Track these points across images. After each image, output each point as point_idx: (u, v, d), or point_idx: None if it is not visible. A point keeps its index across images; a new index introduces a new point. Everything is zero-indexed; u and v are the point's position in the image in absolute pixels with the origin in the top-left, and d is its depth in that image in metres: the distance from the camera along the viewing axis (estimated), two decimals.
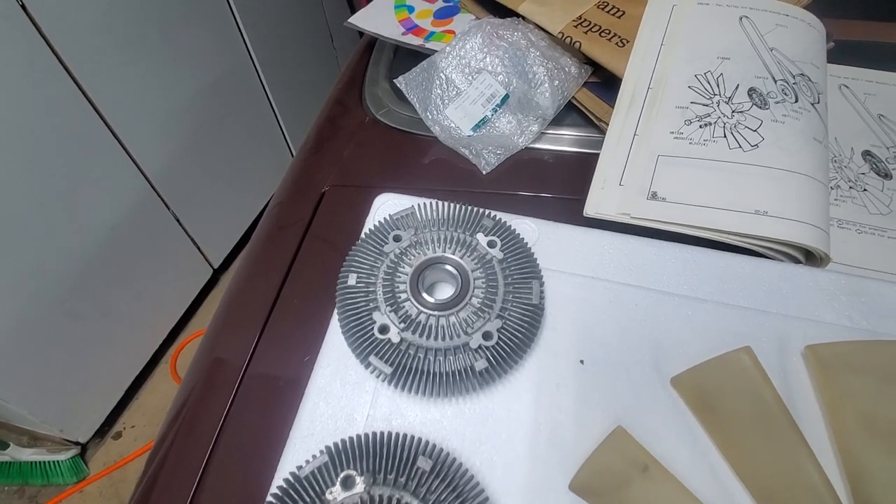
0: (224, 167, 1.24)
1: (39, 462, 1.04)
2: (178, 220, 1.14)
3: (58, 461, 1.04)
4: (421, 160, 0.54)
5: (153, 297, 1.14)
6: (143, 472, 0.41)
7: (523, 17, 0.54)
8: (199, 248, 1.22)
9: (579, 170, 0.46)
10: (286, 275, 0.48)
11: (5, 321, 0.86)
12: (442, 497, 0.25)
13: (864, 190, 0.44)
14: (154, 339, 1.18)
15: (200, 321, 1.27)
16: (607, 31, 0.50)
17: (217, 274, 1.31)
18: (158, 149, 1.06)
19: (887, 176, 0.44)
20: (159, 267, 1.13)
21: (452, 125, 0.54)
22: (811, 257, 0.38)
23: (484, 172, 0.51)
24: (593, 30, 0.50)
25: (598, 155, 0.45)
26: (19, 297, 0.87)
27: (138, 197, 1.04)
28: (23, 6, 0.78)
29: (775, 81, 0.43)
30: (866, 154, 0.45)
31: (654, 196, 0.41)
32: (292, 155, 1.45)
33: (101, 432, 1.10)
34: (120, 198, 1.00)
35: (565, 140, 0.53)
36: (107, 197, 0.98)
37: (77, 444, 1.07)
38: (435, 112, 0.54)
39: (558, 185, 0.50)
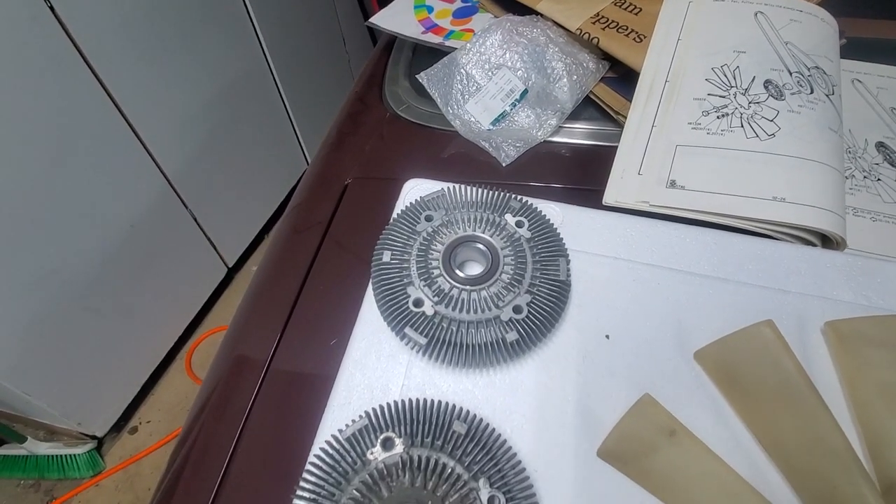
0: (239, 168, 1.26)
1: (56, 456, 1.06)
2: (195, 219, 1.16)
3: (74, 455, 1.06)
4: (442, 153, 0.56)
5: (169, 295, 1.16)
6: (168, 464, 0.42)
7: (542, 15, 0.56)
8: (214, 247, 1.24)
9: (596, 162, 0.48)
10: (312, 261, 0.49)
11: (27, 316, 0.88)
12: (477, 458, 0.27)
13: (878, 179, 0.45)
14: (170, 335, 1.20)
15: (215, 319, 1.29)
16: (625, 28, 0.52)
17: (232, 273, 1.33)
18: (178, 149, 1.08)
19: None
20: (176, 265, 1.15)
21: (473, 119, 0.55)
22: (828, 242, 0.39)
23: (503, 165, 0.52)
24: (611, 26, 0.52)
25: (615, 148, 0.46)
26: (41, 293, 0.89)
27: (157, 196, 1.06)
28: (51, 7, 0.80)
29: (791, 73, 0.44)
30: (880, 145, 0.47)
31: (672, 184, 0.42)
32: (305, 157, 1.48)
33: (118, 427, 1.12)
34: (140, 196, 1.03)
35: (583, 133, 0.54)
36: (127, 195, 1.00)
37: (94, 438, 1.09)
38: (456, 107, 0.55)
39: (576, 177, 0.51)
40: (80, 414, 1.02)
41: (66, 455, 1.06)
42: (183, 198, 1.12)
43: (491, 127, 0.55)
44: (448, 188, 0.35)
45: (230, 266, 1.31)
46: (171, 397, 1.18)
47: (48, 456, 1.06)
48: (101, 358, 1.03)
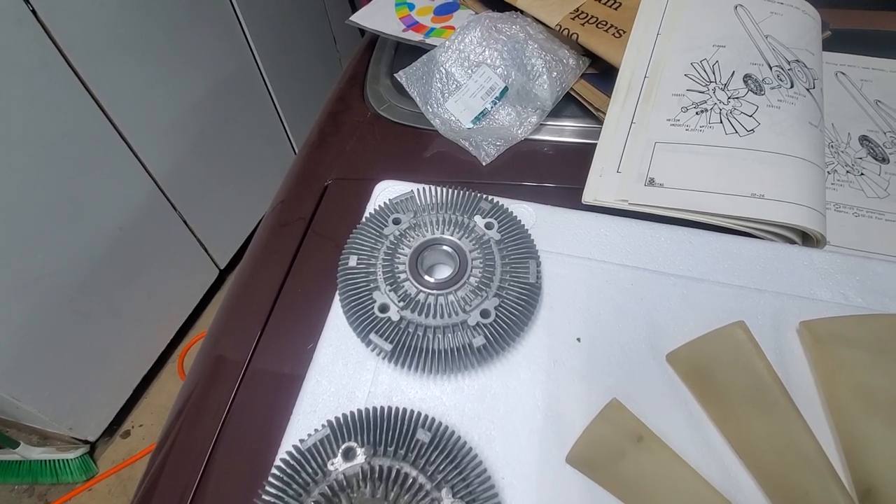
0: (229, 169, 1.25)
1: (49, 461, 1.06)
2: (184, 221, 1.16)
3: (67, 460, 1.06)
4: (422, 153, 0.55)
5: (160, 297, 1.15)
6: (148, 465, 0.41)
7: (521, 11, 0.55)
8: (205, 249, 1.24)
9: (578, 160, 0.47)
10: (290, 267, 0.48)
11: (16, 321, 0.88)
12: (441, 468, 0.26)
13: (862, 174, 0.44)
14: (161, 338, 1.19)
15: (207, 321, 1.28)
16: (604, 23, 0.51)
17: (223, 274, 1.33)
18: (165, 150, 1.07)
19: (884, 160, 0.44)
20: (166, 267, 1.14)
21: (453, 118, 0.54)
22: (808, 239, 0.39)
23: (484, 164, 0.52)
24: (590, 21, 0.51)
25: (596, 145, 0.45)
26: (29, 297, 0.89)
27: (145, 198, 1.06)
28: (34, 11, 0.80)
29: (770, 68, 0.43)
30: (863, 139, 0.46)
31: (651, 182, 0.42)
32: None
33: (110, 431, 1.11)
34: (127, 199, 1.02)
35: (564, 131, 0.53)
36: (114, 198, 0.99)
37: (86, 442, 1.08)
38: (435, 105, 0.55)
39: (557, 175, 0.50)
40: (71, 418, 1.01)
41: (58, 460, 1.06)
42: (172, 200, 1.11)
43: (471, 125, 0.54)
44: (417, 190, 0.35)
45: (222, 268, 1.31)
46: (164, 401, 1.17)
47: (41, 461, 1.06)
48: (91, 362, 1.02)
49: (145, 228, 1.06)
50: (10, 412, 0.99)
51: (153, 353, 1.18)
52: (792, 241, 0.38)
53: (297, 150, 1.45)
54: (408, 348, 0.29)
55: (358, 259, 0.32)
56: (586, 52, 0.53)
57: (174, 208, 1.12)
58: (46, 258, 0.90)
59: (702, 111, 0.43)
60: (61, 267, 0.93)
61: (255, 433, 0.40)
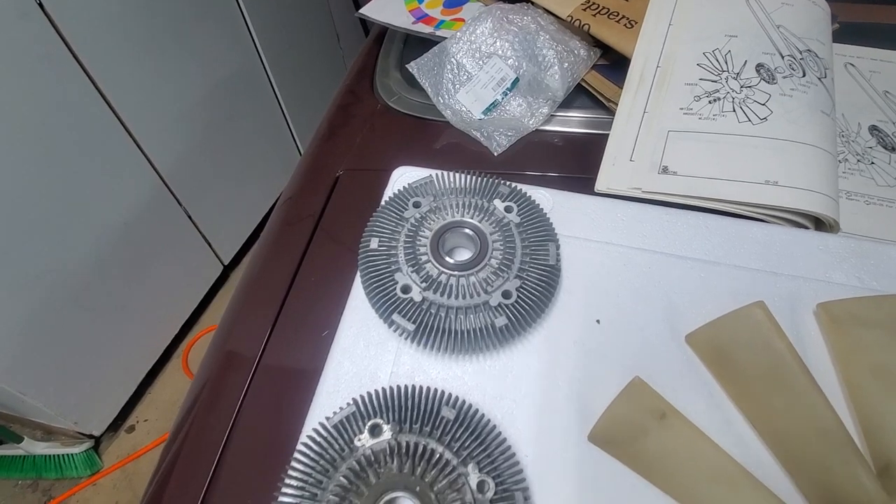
0: (234, 165, 1.26)
1: (53, 455, 1.05)
2: (189, 217, 1.16)
3: (72, 454, 1.05)
4: (433, 143, 0.55)
5: (165, 293, 1.15)
6: (160, 459, 0.41)
7: (532, 2, 0.55)
8: (209, 245, 1.24)
9: (589, 150, 0.47)
10: (303, 254, 0.49)
11: (21, 315, 0.88)
12: (466, 444, 0.26)
13: (872, 163, 0.44)
14: (166, 334, 1.19)
15: (211, 317, 1.28)
16: (615, 14, 0.51)
17: (227, 270, 1.33)
18: (170, 146, 1.07)
19: (894, 150, 0.45)
20: (171, 263, 1.14)
21: (464, 109, 0.55)
22: (821, 226, 0.39)
23: (495, 154, 0.52)
24: (602, 12, 0.52)
25: (607, 136, 0.45)
26: (34, 292, 0.89)
27: (150, 193, 1.06)
28: (41, 5, 0.80)
29: (783, 57, 0.44)
30: (873, 129, 0.46)
31: (664, 170, 0.42)
32: (300, 153, 1.47)
33: (115, 426, 1.11)
34: (133, 194, 1.02)
35: (575, 122, 0.54)
36: (120, 193, 0.99)
37: (91, 437, 1.08)
38: (446, 96, 0.55)
39: (568, 166, 0.51)
40: (76, 413, 1.01)
41: (63, 455, 1.05)
42: (177, 195, 1.11)
43: (482, 116, 0.54)
44: (436, 175, 0.35)
45: (226, 264, 1.31)
46: (169, 396, 1.17)
47: (45, 456, 1.06)
48: (96, 357, 1.02)
49: (150, 223, 1.06)
50: (14, 407, 0.98)
51: (157, 348, 1.18)
52: (805, 227, 0.39)
53: (300, 146, 1.46)
54: (430, 328, 0.30)
55: (379, 241, 0.32)
56: (597, 43, 0.53)
57: (179, 203, 1.13)
58: (51, 253, 0.90)
59: (714, 100, 0.43)
60: (66, 262, 0.93)
61: (270, 425, 0.40)
